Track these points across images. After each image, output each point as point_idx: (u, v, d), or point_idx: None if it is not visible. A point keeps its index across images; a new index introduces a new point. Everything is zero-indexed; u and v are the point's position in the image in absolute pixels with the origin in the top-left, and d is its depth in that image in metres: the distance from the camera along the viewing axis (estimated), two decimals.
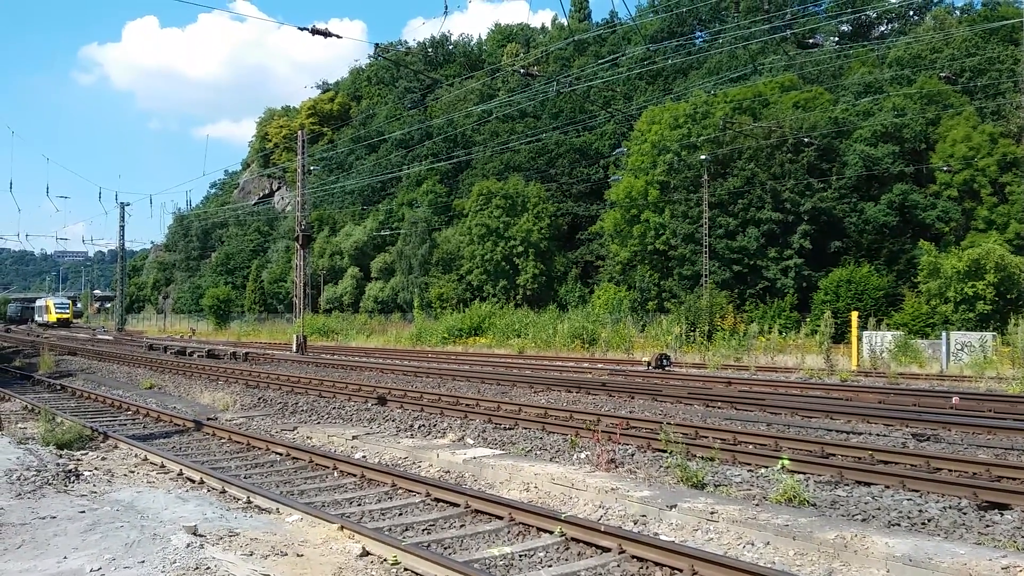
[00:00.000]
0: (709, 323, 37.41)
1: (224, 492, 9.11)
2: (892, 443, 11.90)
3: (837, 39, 66.66)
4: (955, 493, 8.44)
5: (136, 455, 11.61)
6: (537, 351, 38.01)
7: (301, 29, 18.58)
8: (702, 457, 10.29)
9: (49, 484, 8.79)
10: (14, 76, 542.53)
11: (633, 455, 10.94)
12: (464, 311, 50.68)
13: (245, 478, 10.09)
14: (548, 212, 60.92)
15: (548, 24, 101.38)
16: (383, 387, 19.01)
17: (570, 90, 55.01)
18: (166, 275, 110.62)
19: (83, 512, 7.51)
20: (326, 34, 18.94)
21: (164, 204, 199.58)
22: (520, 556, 6.96)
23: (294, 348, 36.34)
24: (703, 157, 46.32)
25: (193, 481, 9.83)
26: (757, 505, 7.87)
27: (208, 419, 15.07)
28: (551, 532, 7.41)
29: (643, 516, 7.99)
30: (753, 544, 7.08)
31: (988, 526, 7.48)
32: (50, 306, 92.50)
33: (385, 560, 6.50)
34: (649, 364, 26.79)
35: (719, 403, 16.50)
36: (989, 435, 12.42)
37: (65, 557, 6.12)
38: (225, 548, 6.46)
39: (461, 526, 7.97)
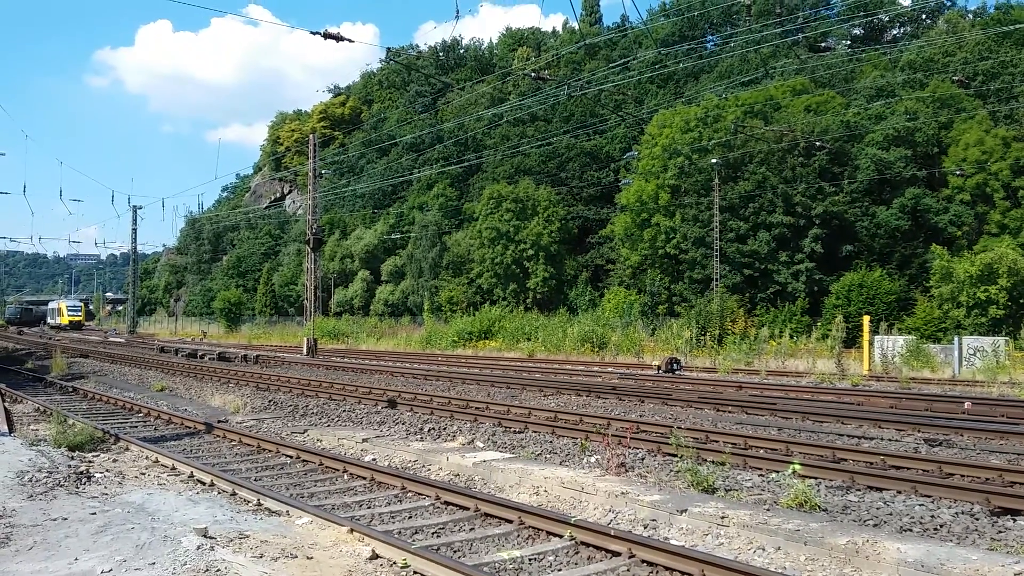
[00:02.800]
0: (720, 327, 37.30)
1: (234, 494, 9.13)
2: (904, 448, 11.83)
3: (849, 43, 66.42)
4: (967, 499, 8.38)
5: (147, 457, 11.65)
6: (547, 355, 37.98)
7: (313, 33, 18.68)
8: (713, 461, 10.25)
9: (61, 486, 8.83)
10: (28, 80, 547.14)
11: (643, 459, 10.91)
12: (474, 314, 50.78)
13: (255, 480, 10.10)
14: (558, 216, 60.89)
15: (559, 28, 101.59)
16: (393, 390, 19.03)
17: (581, 94, 55.02)
18: (178, 278, 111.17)
19: (94, 514, 7.54)
20: (338, 38, 19.02)
21: (176, 207, 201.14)
22: (530, 560, 6.95)
23: (305, 351, 36.45)
24: (714, 161, 46.25)
25: (204, 483, 9.85)
26: (768, 510, 7.84)
27: (219, 421, 15.11)
28: (561, 536, 7.40)
29: (653, 520, 7.96)
30: (764, 549, 7.04)
31: (1001, 532, 7.42)
32: (62, 308, 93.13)
33: (395, 563, 6.50)
34: (659, 368, 26.72)
35: (730, 407, 16.43)
36: (1002, 440, 12.33)
37: (76, 558, 6.14)
38: (235, 550, 6.48)
39: (471, 529, 7.96)
